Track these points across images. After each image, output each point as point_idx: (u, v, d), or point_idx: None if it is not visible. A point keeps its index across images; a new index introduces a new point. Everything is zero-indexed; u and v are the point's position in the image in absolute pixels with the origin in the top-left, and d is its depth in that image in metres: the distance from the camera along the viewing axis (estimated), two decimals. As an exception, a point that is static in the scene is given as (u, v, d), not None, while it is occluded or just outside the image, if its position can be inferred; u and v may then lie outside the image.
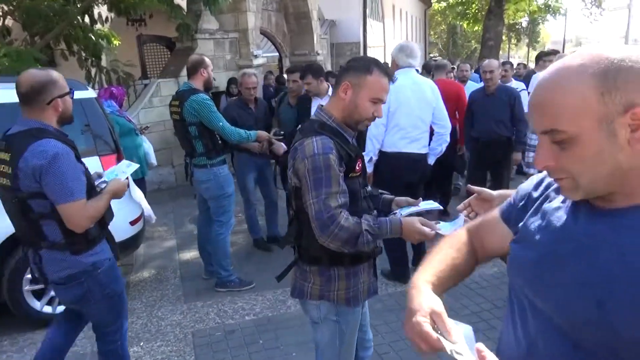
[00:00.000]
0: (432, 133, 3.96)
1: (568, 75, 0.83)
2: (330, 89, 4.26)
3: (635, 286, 0.80)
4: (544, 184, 1.07)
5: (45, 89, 2.02)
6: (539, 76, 0.91)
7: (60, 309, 3.52)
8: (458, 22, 22.38)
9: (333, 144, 1.75)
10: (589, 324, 0.84)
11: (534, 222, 1.01)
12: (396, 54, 3.88)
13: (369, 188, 2.04)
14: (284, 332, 3.35)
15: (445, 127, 3.95)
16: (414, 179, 3.85)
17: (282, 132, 4.37)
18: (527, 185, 1.13)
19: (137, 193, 4.03)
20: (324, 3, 13.67)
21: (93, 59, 6.53)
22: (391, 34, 21.00)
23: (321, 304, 1.93)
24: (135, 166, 2.58)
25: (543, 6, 18.19)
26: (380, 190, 2.14)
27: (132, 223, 3.77)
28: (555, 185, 1.02)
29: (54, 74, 2.09)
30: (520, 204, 1.11)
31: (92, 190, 2.17)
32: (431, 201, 2.02)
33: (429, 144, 3.93)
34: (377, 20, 19.21)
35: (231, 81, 7.86)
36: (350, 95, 1.81)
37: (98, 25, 6.60)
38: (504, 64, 6.32)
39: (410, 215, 1.89)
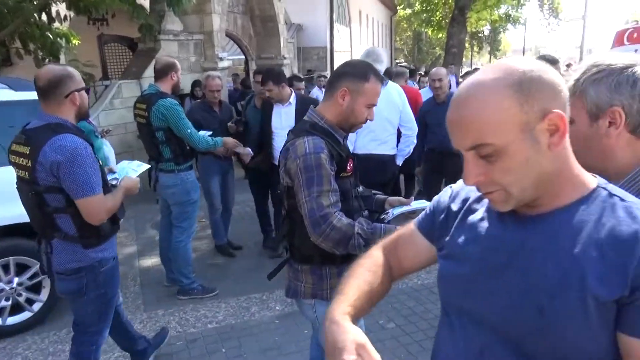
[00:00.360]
0: (399, 135, 4.10)
1: (484, 90, 0.85)
2: (294, 95, 4.20)
3: (572, 289, 0.81)
4: (460, 197, 1.07)
5: (62, 82, 2.09)
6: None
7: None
8: (423, 29, 22.80)
9: (324, 144, 1.78)
10: (534, 332, 0.85)
11: (461, 236, 1.01)
12: (364, 59, 3.95)
13: (361, 188, 2.06)
14: (247, 339, 3.30)
15: (412, 129, 4.10)
16: (385, 180, 3.97)
17: (242, 120, 4.43)
18: (443, 198, 1.13)
19: None
20: (290, 7, 13.66)
21: (50, 58, 6.29)
22: (358, 39, 21.18)
23: (316, 303, 1.94)
24: (145, 166, 2.63)
25: (504, 15, 18.77)
26: (373, 191, 2.16)
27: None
28: (473, 197, 1.03)
29: (70, 69, 2.18)
30: (441, 217, 1.10)
31: (105, 186, 2.23)
32: (423, 200, 2.03)
33: (397, 146, 4.08)
34: (344, 25, 19.34)
35: (196, 83, 7.73)
36: (347, 101, 1.84)
37: (57, 24, 6.36)
38: (467, 73, 6.45)
39: (402, 214, 1.92)
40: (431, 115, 4.67)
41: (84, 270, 2.19)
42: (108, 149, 5.12)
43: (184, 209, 3.83)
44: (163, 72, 3.63)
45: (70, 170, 2.00)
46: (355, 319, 1.01)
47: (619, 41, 13.58)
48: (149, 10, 7.94)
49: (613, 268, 0.80)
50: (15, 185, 2.18)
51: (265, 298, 3.91)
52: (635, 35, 12.49)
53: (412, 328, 3.38)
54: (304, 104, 3.87)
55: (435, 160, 4.80)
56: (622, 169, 1.09)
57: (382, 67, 4.03)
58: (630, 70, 1.05)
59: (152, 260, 4.68)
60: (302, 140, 1.77)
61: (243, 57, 12.21)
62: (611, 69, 1.06)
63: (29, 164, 2.02)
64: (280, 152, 1.90)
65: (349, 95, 1.83)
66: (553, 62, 3.94)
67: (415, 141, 4.18)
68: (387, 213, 1.99)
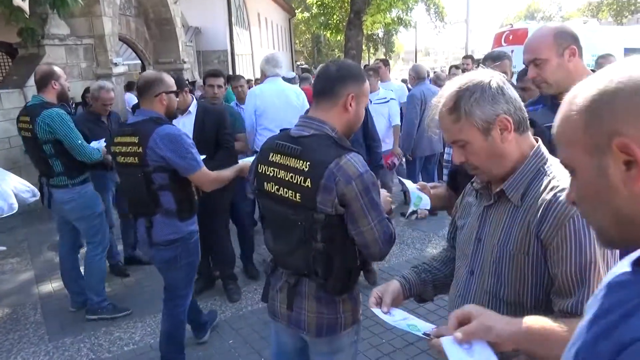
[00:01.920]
0: None
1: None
2: (195, 102, 3.73)
3: None
4: None
5: (153, 84, 2.59)
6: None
7: None
8: (321, 32, 23.30)
9: None
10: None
11: None
12: (264, 65, 4.29)
13: None
14: (169, 357, 3.15)
15: None
16: None
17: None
18: None
19: None
20: (187, 10, 13.24)
21: None
22: (258, 42, 21.09)
23: (355, 326, 1.82)
24: (250, 159, 2.77)
25: (396, 19, 19.78)
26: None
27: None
28: None
29: (163, 74, 2.67)
30: None
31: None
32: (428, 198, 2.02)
33: None
34: (244, 28, 19.17)
35: (87, 90, 7.19)
36: (354, 106, 1.70)
37: None
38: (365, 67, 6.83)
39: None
40: None
41: (179, 241, 2.63)
42: None
43: (91, 223, 3.57)
44: (42, 81, 3.40)
45: (180, 153, 2.49)
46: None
47: (497, 42, 14.97)
48: (28, 13, 7.25)
49: None
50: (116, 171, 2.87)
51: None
52: (511, 37, 13.84)
53: (379, 329, 3.30)
54: (208, 115, 3.64)
55: None
56: (514, 164, 1.28)
57: (281, 71, 4.26)
58: (491, 83, 1.24)
59: (54, 285, 4.29)
60: (345, 159, 1.57)
61: (139, 62, 11.60)
62: (481, 88, 1.23)
63: (140, 150, 2.48)
64: (312, 178, 1.58)
65: (354, 99, 1.70)
66: (499, 57, 4.07)
67: None
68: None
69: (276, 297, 1.82)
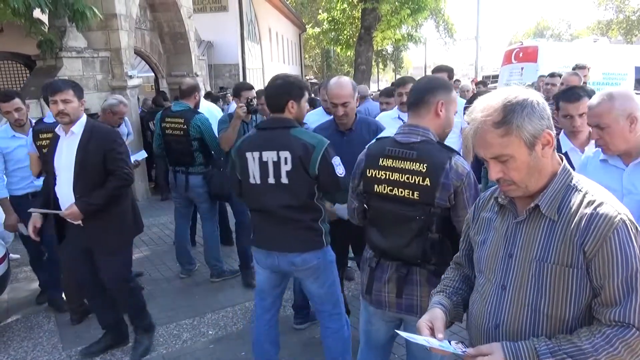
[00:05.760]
0: None
1: None
2: (83, 120, 3.00)
3: None
4: None
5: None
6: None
7: None
8: (332, 47, 23.49)
9: None
10: None
11: None
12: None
13: None
14: (181, 368, 3.16)
15: None
16: None
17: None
18: None
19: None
20: (200, 24, 13.44)
21: None
22: (269, 56, 21.31)
23: None
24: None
25: (406, 35, 19.90)
26: None
27: (-4, 264, 3.33)
28: None
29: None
30: None
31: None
32: None
33: None
34: (255, 43, 19.40)
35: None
36: (444, 112, 1.98)
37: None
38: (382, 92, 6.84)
39: None
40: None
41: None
42: None
43: (212, 204, 4.60)
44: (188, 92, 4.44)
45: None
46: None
47: (507, 59, 14.94)
48: (48, 26, 7.41)
49: None
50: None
51: (197, 323, 3.78)
52: (521, 54, 13.83)
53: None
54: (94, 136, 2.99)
55: None
56: (547, 180, 1.32)
57: None
58: (538, 99, 1.29)
59: (67, 294, 4.32)
60: (455, 160, 1.88)
61: (152, 74, 11.77)
62: (530, 103, 1.27)
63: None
64: (431, 177, 1.88)
65: (444, 106, 1.97)
66: (439, 70, 4.17)
67: None
68: None
69: (383, 288, 2.04)
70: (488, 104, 1.29)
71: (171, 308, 4.05)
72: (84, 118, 3.04)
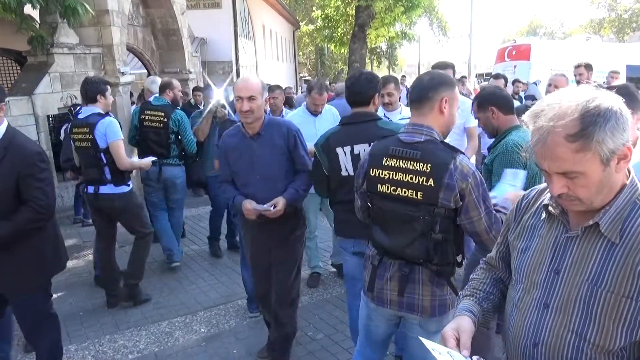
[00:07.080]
0: None
1: None
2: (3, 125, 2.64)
3: None
4: None
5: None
6: None
7: None
8: (326, 45, 23.45)
9: None
10: None
11: None
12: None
13: None
14: (173, 366, 3.16)
15: None
16: None
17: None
18: None
19: None
20: (193, 21, 13.37)
21: None
22: (262, 53, 21.24)
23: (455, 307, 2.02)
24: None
25: (400, 33, 19.90)
26: None
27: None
28: None
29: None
30: None
31: None
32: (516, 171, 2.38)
33: None
34: (249, 40, 19.32)
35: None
36: (447, 109, 1.94)
37: None
38: None
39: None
40: None
41: None
42: None
43: (184, 194, 5.08)
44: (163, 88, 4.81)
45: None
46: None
47: (500, 57, 15.01)
48: (39, 22, 7.35)
49: None
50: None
51: (189, 321, 3.78)
52: (514, 52, 13.90)
53: (340, 337, 3.45)
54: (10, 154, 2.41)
55: None
56: (613, 195, 1.14)
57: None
58: (622, 108, 1.07)
59: (58, 293, 4.29)
60: (459, 159, 1.85)
61: (145, 71, 11.71)
62: (615, 115, 1.05)
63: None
64: (435, 178, 1.84)
65: (448, 103, 1.93)
66: (445, 67, 4.08)
67: None
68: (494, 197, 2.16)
69: (385, 285, 2.04)
70: (560, 110, 1.06)
71: (163, 306, 4.04)
72: (2, 127, 2.40)
